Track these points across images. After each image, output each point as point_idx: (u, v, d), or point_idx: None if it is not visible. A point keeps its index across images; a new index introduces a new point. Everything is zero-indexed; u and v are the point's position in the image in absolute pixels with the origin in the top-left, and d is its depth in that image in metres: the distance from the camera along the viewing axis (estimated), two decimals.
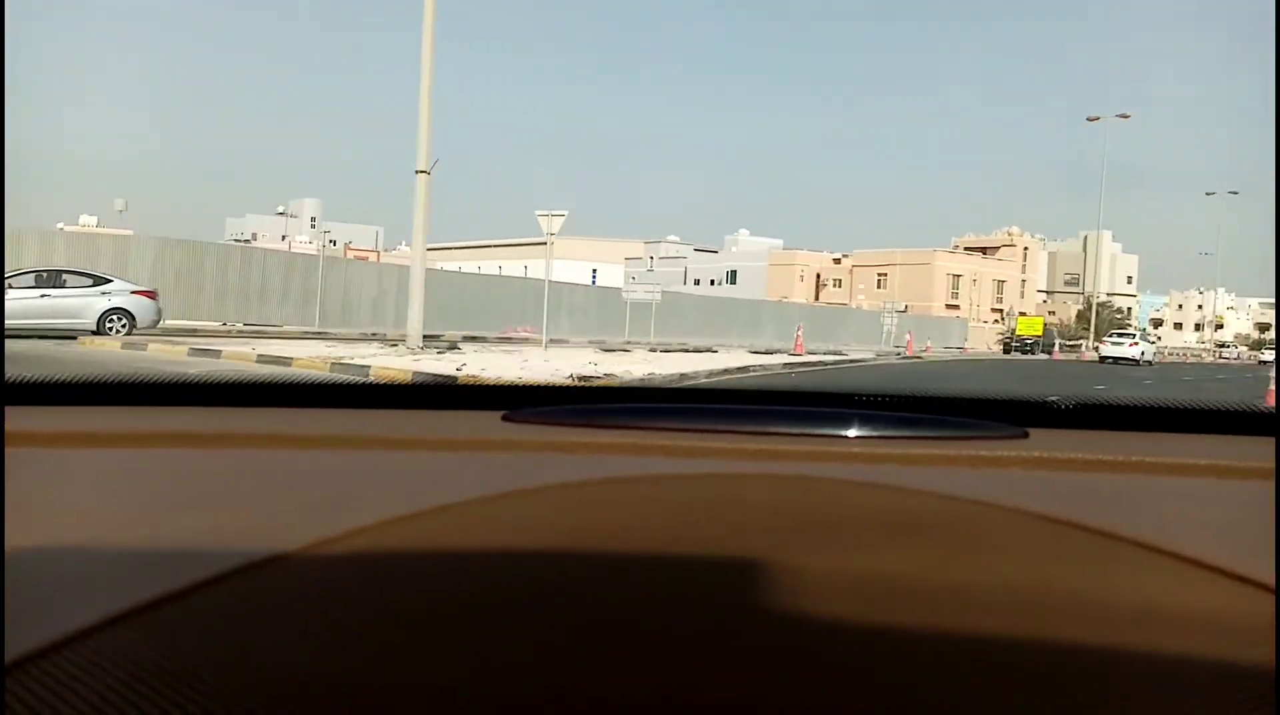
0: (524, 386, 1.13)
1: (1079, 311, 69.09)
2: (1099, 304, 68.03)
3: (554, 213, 18.46)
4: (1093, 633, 0.48)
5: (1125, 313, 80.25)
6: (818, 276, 73.41)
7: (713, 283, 76.10)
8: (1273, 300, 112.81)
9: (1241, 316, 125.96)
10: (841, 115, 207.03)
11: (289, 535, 0.61)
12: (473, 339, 23.53)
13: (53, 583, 0.55)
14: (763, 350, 25.25)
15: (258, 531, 0.64)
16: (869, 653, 0.46)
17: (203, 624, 0.49)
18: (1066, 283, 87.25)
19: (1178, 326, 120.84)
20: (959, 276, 66.32)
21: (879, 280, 67.67)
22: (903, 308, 58.47)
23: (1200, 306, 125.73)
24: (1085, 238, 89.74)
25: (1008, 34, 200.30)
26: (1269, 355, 60.68)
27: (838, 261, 73.39)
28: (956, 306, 63.62)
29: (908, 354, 27.80)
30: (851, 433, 0.91)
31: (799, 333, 25.43)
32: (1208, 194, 67.91)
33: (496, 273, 45.27)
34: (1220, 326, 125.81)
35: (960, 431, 0.91)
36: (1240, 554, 0.58)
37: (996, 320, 61.01)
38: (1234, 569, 0.56)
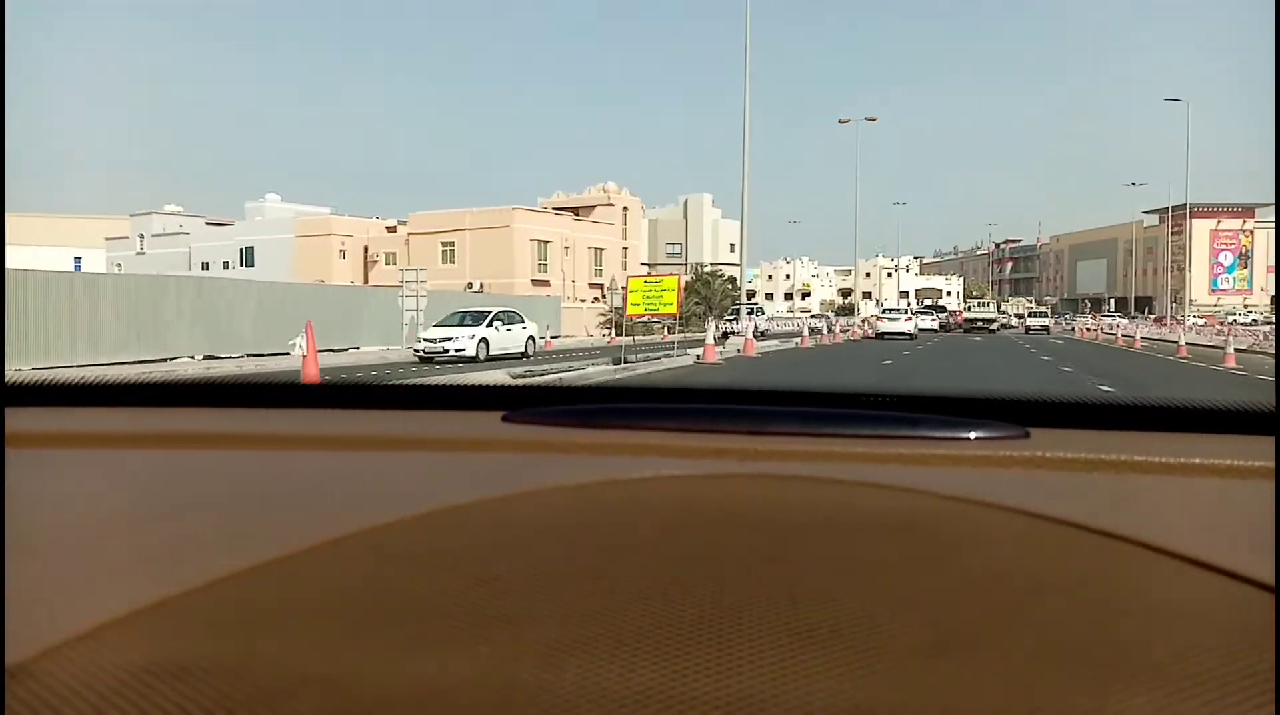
0: (524, 387, 1.14)
1: (688, 283, 58.06)
2: (707, 274, 57.65)
3: None
4: (1093, 632, 0.48)
5: (734, 284, 70.76)
6: (365, 250, 55.32)
7: (225, 265, 55.10)
8: (849, 268, 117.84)
9: (825, 284, 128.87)
10: (408, 57, 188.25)
11: (289, 536, 0.61)
12: None
13: (53, 583, 0.55)
14: None
15: (258, 532, 0.64)
16: (870, 653, 0.46)
17: (204, 625, 0.49)
18: (670, 254, 77.63)
19: (769, 297, 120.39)
20: (547, 243, 51.54)
21: (445, 252, 51.24)
22: (476, 287, 42.96)
23: (788, 276, 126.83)
24: (686, 202, 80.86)
25: None
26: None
27: (393, 229, 55.72)
28: (546, 282, 49.30)
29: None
30: (852, 432, 0.91)
31: None
32: (841, 122, 60.90)
33: None
34: (807, 294, 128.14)
35: (961, 431, 0.91)
36: (1240, 553, 0.58)
37: (598, 298, 47.44)
38: (1234, 568, 0.56)
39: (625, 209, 59.72)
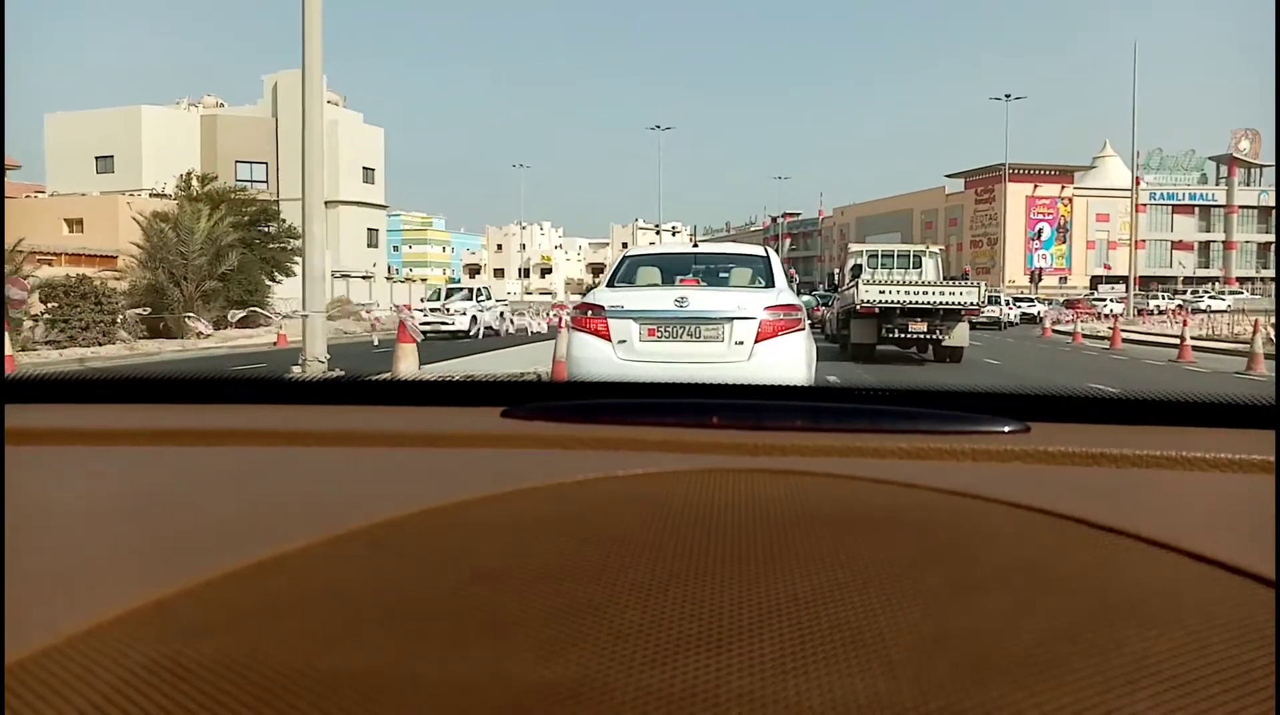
0: (524, 383, 1.16)
1: (144, 221, 22.98)
2: (206, 190, 23.29)
3: None
4: (1093, 627, 0.48)
5: (277, 225, 34.37)
6: None
7: None
8: (605, 240, 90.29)
9: (572, 257, 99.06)
10: None
11: (289, 532, 0.61)
12: None
13: (52, 580, 0.55)
14: None
15: (257, 529, 0.64)
16: (869, 648, 0.46)
17: (204, 622, 0.49)
18: (243, 183, 42.10)
19: (499, 273, 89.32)
20: None
21: None
22: None
23: (523, 245, 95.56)
24: (275, 87, 45.54)
25: None
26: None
27: None
28: None
29: None
30: (852, 427, 0.91)
31: None
32: None
33: None
34: (548, 271, 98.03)
35: (962, 426, 0.92)
36: (1241, 548, 0.59)
37: None
38: (1234, 563, 0.56)
39: None
